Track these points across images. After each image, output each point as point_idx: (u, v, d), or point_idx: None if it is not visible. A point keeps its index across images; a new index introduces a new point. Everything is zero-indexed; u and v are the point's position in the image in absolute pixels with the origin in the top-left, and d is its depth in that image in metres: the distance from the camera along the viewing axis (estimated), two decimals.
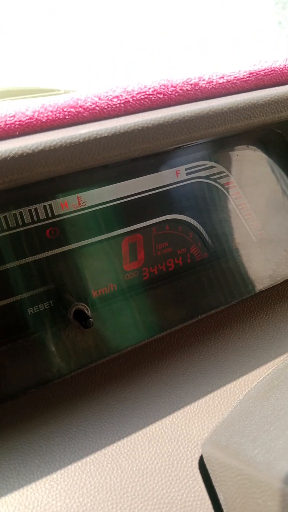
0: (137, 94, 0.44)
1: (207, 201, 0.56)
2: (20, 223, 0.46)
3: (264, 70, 0.50)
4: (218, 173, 0.56)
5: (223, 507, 0.34)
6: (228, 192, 0.57)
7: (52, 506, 0.34)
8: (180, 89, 0.46)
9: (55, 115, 0.41)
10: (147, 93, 0.44)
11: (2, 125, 0.39)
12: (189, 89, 0.46)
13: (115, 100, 0.43)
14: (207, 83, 0.47)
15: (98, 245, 0.50)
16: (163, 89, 0.45)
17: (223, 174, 0.57)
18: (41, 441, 0.39)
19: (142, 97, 0.44)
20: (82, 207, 0.48)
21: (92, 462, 0.37)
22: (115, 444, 0.38)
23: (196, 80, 0.47)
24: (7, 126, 0.39)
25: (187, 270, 0.55)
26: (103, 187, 0.49)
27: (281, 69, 0.51)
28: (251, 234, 0.58)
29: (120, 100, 0.43)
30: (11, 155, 0.34)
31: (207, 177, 0.56)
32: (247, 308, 0.53)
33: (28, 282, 0.47)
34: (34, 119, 0.40)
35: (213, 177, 0.56)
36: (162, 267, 0.54)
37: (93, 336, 0.47)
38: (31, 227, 0.46)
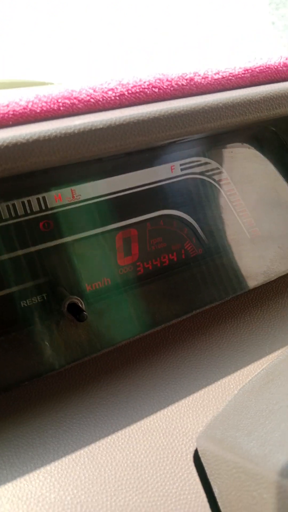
0: (132, 87, 0.44)
1: (202, 197, 0.56)
2: (14, 215, 0.45)
3: (259, 67, 0.50)
4: (212, 170, 0.56)
5: (218, 500, 0.34)
6: (222, 189, 0.57)
7: (46, 498, 0.34)
8: (176, 84, 0.46)
9: (49, 106, 0.41)
10: (143, 86, 0.44)
11: None
12: (185, 84, 0.46)
13: (110, 92, 0.43)
14: (202, 78, 0.47)
15: (92, 239, 0.50)
16: (159, 83, 0.45)
17: (217, 171, 0.57)
18: (34, 434, 0.38)
19: (137, 90, 0.44)
20: (76, 200, 0.48)
21: (86, 454, 0.37)
22: (109, 437, 0.38)
23: (192, 75, 0.47)
24: (1, 116, 0.39)
25: (182, 266, 0.55)
26: (98, 181, 0.49)
27: (276, 67, 0.51)
28: (245, 231, 0.58)
29: (115, 93, 0.43)
30: (5, 144, 0.34)
31: (201, 173, 0.56)
32: (241, 304, 0.53)
33: (22, 275, 0.47)
34: (28, 110, 0.40)
35: (207, 173, 0.56)
36: (157, 263, 0.54)
37: (87, 330, 0.47)
38: (25, 219, 0.46)
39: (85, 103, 0.42)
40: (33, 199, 0.46)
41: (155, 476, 0.36)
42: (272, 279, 0.56)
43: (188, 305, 0.51)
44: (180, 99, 0.45)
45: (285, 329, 0.49)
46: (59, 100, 0.42)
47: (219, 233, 0.57)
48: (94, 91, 0.43)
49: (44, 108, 0.41)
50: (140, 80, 0.45)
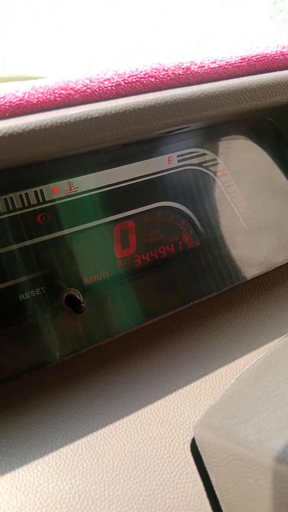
0: (128, 77, 0.44)
1: (199, 189, 0.56)
2: (11, 208, 0.45)
3: (255, 56, 0.50)
4: (209, 161, 0.56)
5: (215, 488, 0.34)
6: (219, 180, 0.57)
7: (44, 488, 0.34)
8: (172, 73, 0.45)
9: (46, 96, 0.41)
10: (139, 76, 0.44)
11: None
12: (181, 73, 0.46)
13: (106, 82, 0.43)
14: (199, 67, 0.47)
15: (90, 231, 0.50)
16: (155, 72, 0.45)
17: (214, 162, 0.57)
18: (33, 425, 0.39)
19: (134, 80, 0.44)
20: (73, 192, 0.48)
21: (84, 444, 0.37)
22: (107, 427, 0.38)
23: (188, 64, 0.47)
24: None
25: (179, 258, 0.55)
26: (95, 173, 0.49)
27: (272, 55, 0.51)
28: (243, 222, 0.58)
29: (112, 82, 0.43)
30: (1, 134, 0.34)
31: (199, 164, 0.56)
32: (238, 295, 0.53)
33: (20, 268, 0.47)
34: (25, 101, 0.40)
35: (205, 165, 0.56)
36: (154, 255, 0.54)
37: (85, 322, 0.47)
38: (22, 212, 0.46)
39: (82, 94, 0.42)
40: (30, 192, 0.46)
41: (152, 465, 0.36)
42: (269, 270, 0.56)
43: (185, 296, 0.51)
44: (176, 89, 0.45)
45: (281, 319, 0.49)
46: (56, 91, 0.41)
47: (217, 225, 0.57)
48: (91, 81, 0.43)
49: (41, 99, 0.41)
50: (137, 70, 0.44)
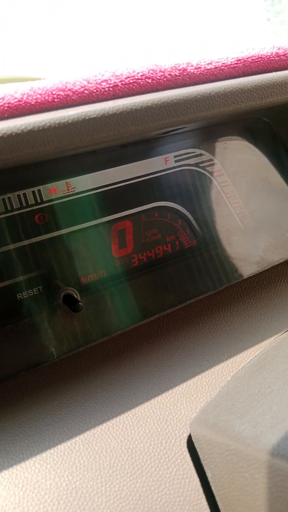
0: (125, 78, 0.44)
1: (196, 189, 0.56)
2: (9, 208, 0.46)
3: (251, 57, 0.50)
4: (206, 161, 0.57)
5: (211, 484, 0.35)
6: (216, 180, 0.58)
7: (41, 484, 0.35)
8: (169, 74, 0.46)
9: (44, 98, 0.41)
10: (136, 77, 0.45)
11: None
12: (178, 74, 0.46)
13: (104, 84, 0.43)
14: (195, 68, 0.47)
15: (87, 231, 0.50)
16: (152, 73, 0.45)
17: (211, 162, 0.57)
18: (30, 422, 0.39)
19: (131, 81, 0.44)
20: (71, 193, 0.48)
21: (81, 441, 0.37)
22: (104, 424, 0.39)
23: (185, 65, 0.47)
24: None
25: (176, 257, 0.55)
26: (92, 173, 0.49)
27: (268, 57, 0.51)
28: (239, 222, 0.59)
29: (109, 84, 0.43)
30: (0, 135, 0.34)
31: (195, 164, 0.56)
32: (235, 293, 0.54)
33: (18, 267, 0.47)
34: (23, 102, 0.40)
35: (201, 165, 0.56)
36: (151, 254, 0.55)
37: (82, 321, 0.47)
38: (20, 212, 0.46)
39: (79, 95, 0.43)
40: (28, 192, 0.46)
41: (149, 461, 0.36)
42: (265, 269, 0.57)
43: (182, 295, 0.52)
44: (173, 89, 0.45)
45: (277, 317, 0.50)
46: (54, 92, 0.42)
47: (213, 224, 0.57)
48: (88, 82, 0.43)
49: (39, 100, 0.41)
50: (134, 71, 0.45)
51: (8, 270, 0.47)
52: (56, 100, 0.42)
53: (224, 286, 0.54)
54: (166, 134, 0.51)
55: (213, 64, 0.48)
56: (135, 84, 0.44)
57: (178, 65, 0.46)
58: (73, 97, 0.42)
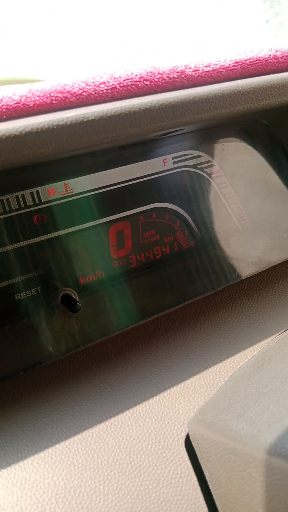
0: (124, 80, 0.44)
1: (194, 190, 0.57)
2: (8, 209, 0.46)
3: (249, 59, 0.51)
4: (204, 163, 0.57)
5: (209, 483, 0.35)
6: (214, 182, 0.58)
7: (40, 483, 0.35)
8: (167, 77, 0.46)
9: (42, 99, 0.41)
10: (134, 79, 0.45)
11: None
12: (176, 76, 0.47)
13: (102, 86, 0.44)
14: (193, 71, 0.47)
15: (86, 232, 0.50)
16: (150, 76, 0.46)
17: (209, 164, 0.57)
18: (28, 422, 0.39)
19: (129, 83, 0.45)
20: (69, 194, 0.49)
21: (79, 441, 0.38)
22: (102, 424, 0.39)
23: (183, 68, 0.47)
24: None
25: (174, 258, 0.55)
26: (91, 175, 0.49)
27: (266, 59, 0.52)
28: (237, 223, 0.59)
29: (107, 86, 0.44)
30: None
31: (194, 166, 0.56)
32: (233, 294, 0.54)
33: (16, 268, 0.47)
34: (21, 104, 0.40)
35: (199, 167, 0.57)
36: (150, 255, 0.55)
37: (80, 321, 0.47)
38: (19, 213, 0.46)
39: (78, 97, 0.43)
40: (26, 193, 0.46)
41: (147, 461, 0.36)
42: (263, 270, 0.57)
43: (180, 296, 0.52)
44: (171, 92, 0.45)
45: (275, 317, 0.50)
46: (52, 94, 0.42)
47: (211, 225, 0.57)
48: (86, 84, 0.43)
49: (37, 102, 0.41)
50: (132, 73, 0.45)
51: (7, 270, 0.47)
52: (54, 102, 0.42)
53: (222, 287, 0.54)
54: (164, 136, 0.51)
55: (211, 66, 0.48)
56: (133, 86, 0.45)
57: (176, 67, 0.47)
58: (71, 99, 0.42)
